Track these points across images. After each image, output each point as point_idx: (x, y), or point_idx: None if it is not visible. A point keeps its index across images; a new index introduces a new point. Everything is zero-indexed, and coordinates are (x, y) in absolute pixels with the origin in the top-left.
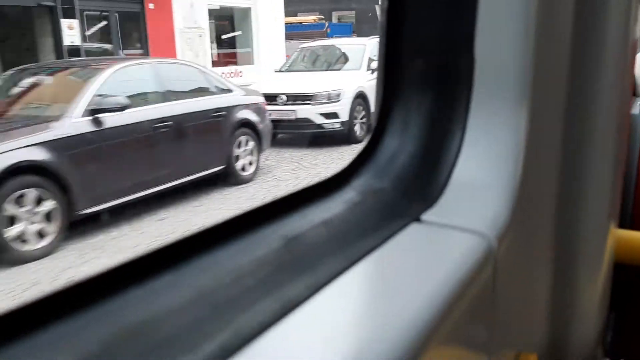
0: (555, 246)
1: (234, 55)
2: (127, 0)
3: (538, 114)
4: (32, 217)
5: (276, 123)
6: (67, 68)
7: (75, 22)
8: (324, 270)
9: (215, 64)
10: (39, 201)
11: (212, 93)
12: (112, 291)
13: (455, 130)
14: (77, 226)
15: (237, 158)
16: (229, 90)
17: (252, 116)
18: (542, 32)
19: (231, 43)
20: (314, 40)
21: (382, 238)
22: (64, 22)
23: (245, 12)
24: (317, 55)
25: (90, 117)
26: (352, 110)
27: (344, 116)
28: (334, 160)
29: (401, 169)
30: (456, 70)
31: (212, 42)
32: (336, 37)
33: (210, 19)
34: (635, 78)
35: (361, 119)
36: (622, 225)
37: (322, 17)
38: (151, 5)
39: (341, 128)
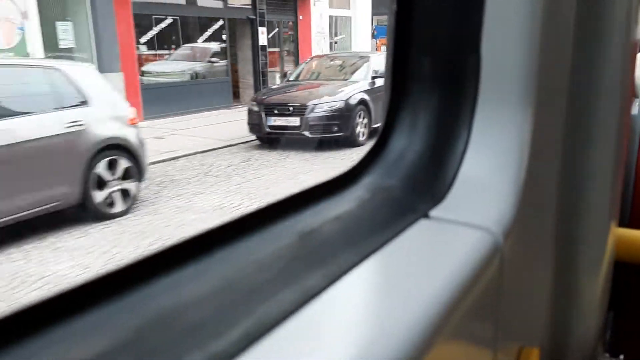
0: (558, 243)
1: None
2: (289, 14)
3: (542, 113)
4: None
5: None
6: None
7: (264, 29)
8: (337, 263)
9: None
10: None
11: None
12: (142, 281)
13: (462, 128)
14: None
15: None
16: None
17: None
18: (547, 33)
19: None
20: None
21: (392, 234)
22: (260, 30)
23: (347, 19)
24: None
25: None
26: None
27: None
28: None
29: (409, 167)
30: (463, 70)
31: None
32: (381, 38)
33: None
34: (635, 79)
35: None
36: (621, 223)
37: None
38: (301, 17)
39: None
